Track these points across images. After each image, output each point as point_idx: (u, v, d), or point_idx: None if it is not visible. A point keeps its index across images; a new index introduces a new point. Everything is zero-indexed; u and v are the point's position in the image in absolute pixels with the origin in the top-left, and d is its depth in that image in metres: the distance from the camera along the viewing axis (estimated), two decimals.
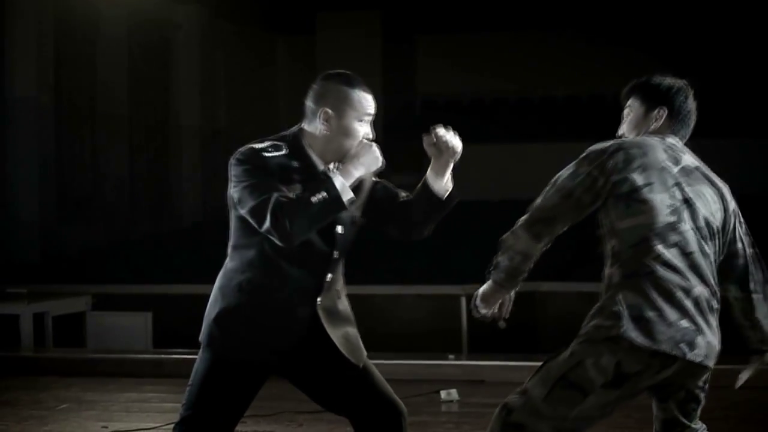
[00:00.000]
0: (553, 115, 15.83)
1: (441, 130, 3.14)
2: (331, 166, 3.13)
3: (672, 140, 3.12)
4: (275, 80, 17.14)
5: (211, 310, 3.18)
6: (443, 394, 6.13)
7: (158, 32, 14.28)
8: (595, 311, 2.97)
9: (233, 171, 3.08)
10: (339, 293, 3.24)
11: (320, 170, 3.11)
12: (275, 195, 2.98)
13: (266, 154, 3.06)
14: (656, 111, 3.15)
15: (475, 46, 16.54)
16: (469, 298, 3.23)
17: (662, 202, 2.96)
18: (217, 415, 3.14)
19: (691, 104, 3.18)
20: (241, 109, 15.78)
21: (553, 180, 3.03)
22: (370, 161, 3.09)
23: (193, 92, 14.81)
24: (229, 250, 3.19)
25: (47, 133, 11.98)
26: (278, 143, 3.11)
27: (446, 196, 3.21)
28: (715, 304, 3.00)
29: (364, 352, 3.23)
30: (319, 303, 3.13)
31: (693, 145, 3.17)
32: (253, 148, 3.09)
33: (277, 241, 3.00)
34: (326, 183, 2.99)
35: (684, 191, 3.00)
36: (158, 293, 9.46)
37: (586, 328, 2.96)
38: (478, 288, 3.13)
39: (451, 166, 3.19)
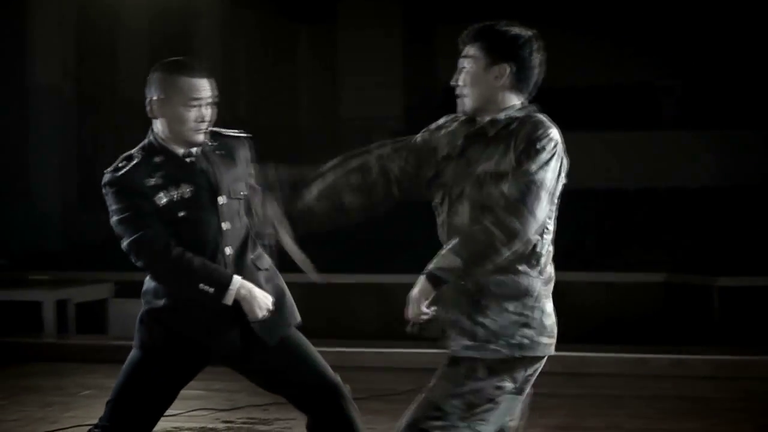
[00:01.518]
0: (575, 105, 15.74)
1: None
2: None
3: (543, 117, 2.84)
4: (296, 70, 17.14)
5: (139, 315, 3.28)
6: None
7: (179, 21, 14.30)
8: (483, 308, 2.80)
9: (106, 200, 3.16)
10: (258, 265, 3.22)
11: (182, 155, 3.16)
12: (149, 234, 3.09)
13: (118, 173, 3.12)
14: (501, 66, 2.80)
15: None
16: None
17: (549, 209, 2.82)
18: (137, 405, 3.23)
19: (539, 58, 2.84)
20: (262, 98, 15.79)
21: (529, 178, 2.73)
22: (254, 309, 3.08)
23: (214, 81, 14.82)
24: None
25: (69, 122, 12.04)
26: (131, 153, 3.17)
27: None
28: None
29: (289, 326, 3.21)
30: None
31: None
32: (107, 171, 3.15)
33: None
34: (224, 283, 3.05)
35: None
36: None
37: (477, 329, 2.80)
38: None
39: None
